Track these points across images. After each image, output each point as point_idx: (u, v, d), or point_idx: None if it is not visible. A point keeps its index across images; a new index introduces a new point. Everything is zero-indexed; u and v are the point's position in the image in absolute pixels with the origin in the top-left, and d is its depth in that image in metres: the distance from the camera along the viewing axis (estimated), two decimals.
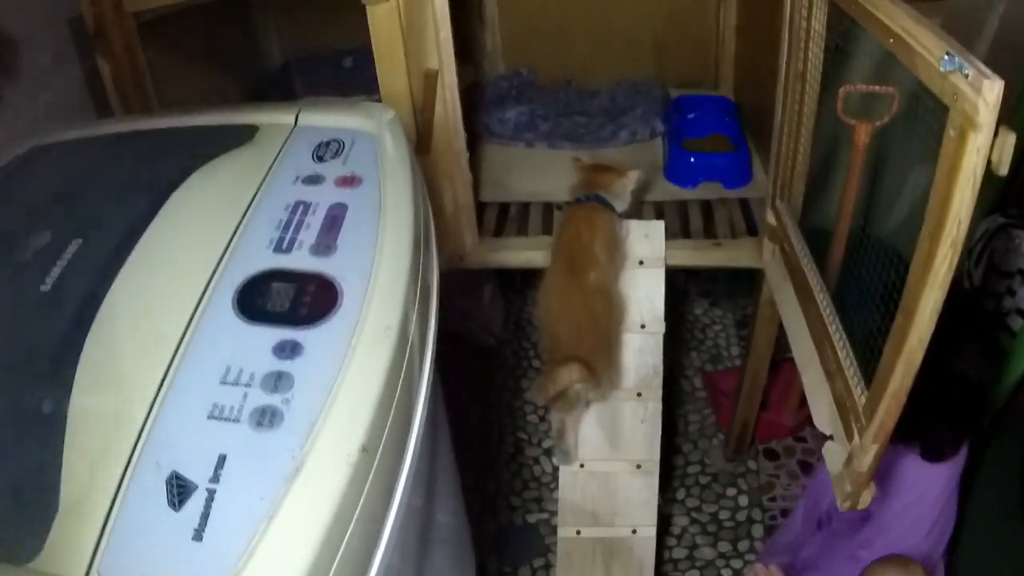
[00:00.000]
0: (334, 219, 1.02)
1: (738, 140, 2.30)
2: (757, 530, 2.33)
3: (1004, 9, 2.02)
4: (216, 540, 0.70)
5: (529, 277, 2.27)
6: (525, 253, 2.04)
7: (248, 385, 0.81)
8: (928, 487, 1.49)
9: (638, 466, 1.91)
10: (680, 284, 3.09)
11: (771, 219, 1.80)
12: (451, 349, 2.58)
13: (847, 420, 1.28)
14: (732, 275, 2.82)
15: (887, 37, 1.08)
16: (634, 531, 1.93)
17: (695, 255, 2.00)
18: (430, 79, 1.75)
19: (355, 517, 0.76)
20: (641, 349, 1.90)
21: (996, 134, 0.86)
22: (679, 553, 2.29)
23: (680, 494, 2.44)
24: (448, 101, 1.80)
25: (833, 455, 1.33)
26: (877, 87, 1.41)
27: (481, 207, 2.15)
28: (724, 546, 2.30)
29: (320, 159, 1.13)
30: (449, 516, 1.45)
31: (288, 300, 0.90)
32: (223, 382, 0.81)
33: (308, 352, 0.84)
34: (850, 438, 1.27)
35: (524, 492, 2.46)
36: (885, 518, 1.51)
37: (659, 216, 2.09)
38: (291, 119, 1.23)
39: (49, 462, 0.76)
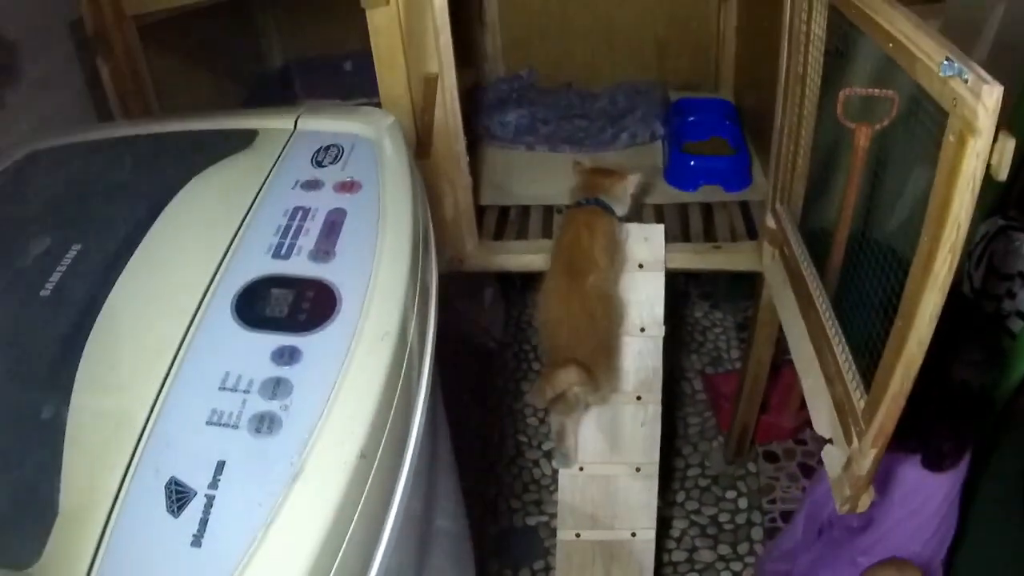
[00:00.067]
0: (333, 225, 1.01)
1: (738, 143, 2.30)
2: (757, 533, 2.33)
3: (1004, 10, 2.01)
4: (215, 546, 0.70)
5: (529, 280, 2.27)
6: (525, 256, 2.04)
7: (247, 391, 0.80)
8: (930, 496, 1.49)
9: (638, 469, 1.91)
10: (681, 286, 3.09)
11: (771, 222, 1.81)
12: (452, 352, 2.59)
13: (846, 424, 1.28)
14: (733, 278, 2.82)
15: (886, 41, 1.08)
16: (633, 534, 1.93)
17: (695, 258, 2.00)
18: (430, 83, 1.75)
19: (354, 523, 0.76)
20: (641, 352, 1.90)
21: (995, 139, 0.86)
22: (679, 556, 2.28)
23: (680, 497, 2.44)
24: (448, 105, 1.80)
25: (832, 459, 1.33)
26: (877, 90, 1.41)
27: (481, 210, 2.16)
28: (724, 549, 2.30)
29: (319, 164, 1.13)
30: (449, 519, 1.45)
31: (287, 306, 0.90)
32: (222, 388, 0.81)
33: (307, 358, 0.84)
34: (849, 442, 1.27)
35: (524, 495, 2.46)
36: (886, 526, 1.51)
37: (659, 219, 2.10)
38: (290, 124, 1.23)
39: (48, 468, 0.76)
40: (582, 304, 1.72)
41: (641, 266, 1.89)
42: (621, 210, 1.86)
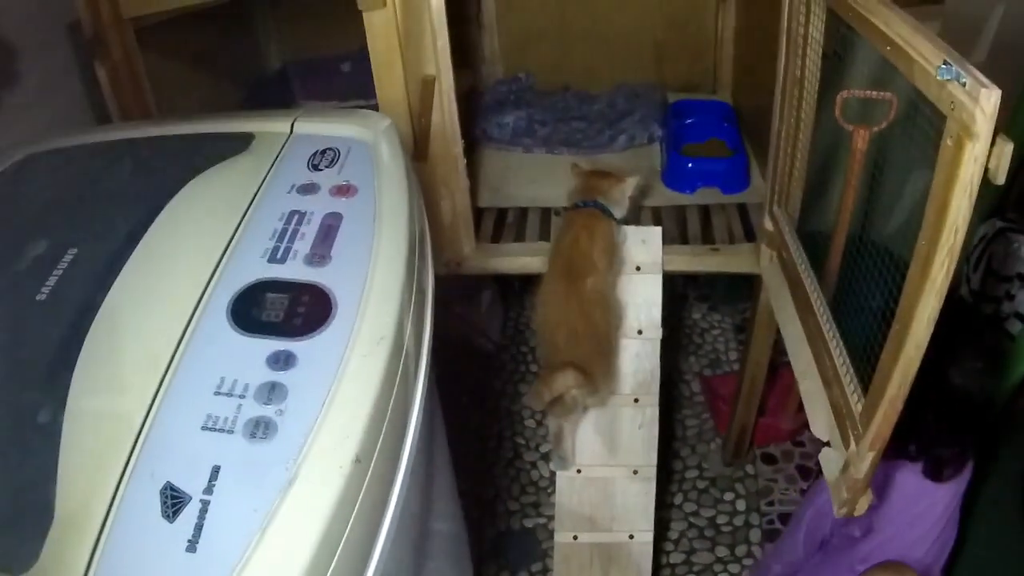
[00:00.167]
0: (329, 229, 1.01)
1: (736, 145, 2.30)
2: (755, 535, 2.33)
3: (1003, 12, 2.02)
4: (210, 551, 0.70)
5: (528, 283, 2.27)
6: (523, 259, 2.04)
7: (242, 396, 0.80)
8: (932, 504, 1.48)
9: (635, 471, 1.91)
10: (679, 289, 3.09)
11: (769, 225, 1.80)
12: (450, 355, 2.59)
13: (844, 427, 1.28)
14: (731, 280, 2.82)
15: (884, 44, 1.08)
16: (631, 536, 1.93)
17: (693, 261, 2.00)
18: (427, 85, 1.75)
19: (349, 527, 0.76)
20: (638, 354, 1.89)
21: (993, 143, 0.86)
22: (676, 558, 2.28)
23: (678, 499, 2.44)
24: (445, 107, 1.80)
25: (830, 462, 1.33)
26: (875, 93, 1.41)
27: (479, 213, 2.16)
28: (722, 551, 2.30)
29: (315, 168, 1.13)
30: (446, 522, 1.45)
31: (282, 311, 0.89)
32: (217, 393, 0.81)
33: (302, 363, 0.84)
34: (847, 445, 1.26)
35: (522, 497, 2.46)
36: (887, 534, 1.50)
37: (657, 221, 2.09)
38: (287, 127, 1.22)
39: (44, 473, 0.76)
40: (580, 307, 1.72)
41: (639, 268, 1.89)
42: (619, 212, 1.86)
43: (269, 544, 0.70)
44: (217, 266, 0.95)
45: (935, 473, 1.45)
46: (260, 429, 0.77)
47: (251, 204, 1.06)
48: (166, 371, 0.83)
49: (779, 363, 2.24)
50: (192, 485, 0.74)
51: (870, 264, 1.34)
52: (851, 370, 1.30)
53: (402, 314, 0.93)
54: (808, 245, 1.62)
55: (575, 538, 1.93)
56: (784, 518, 2.33)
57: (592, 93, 2.77)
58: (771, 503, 2.40)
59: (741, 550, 2.29)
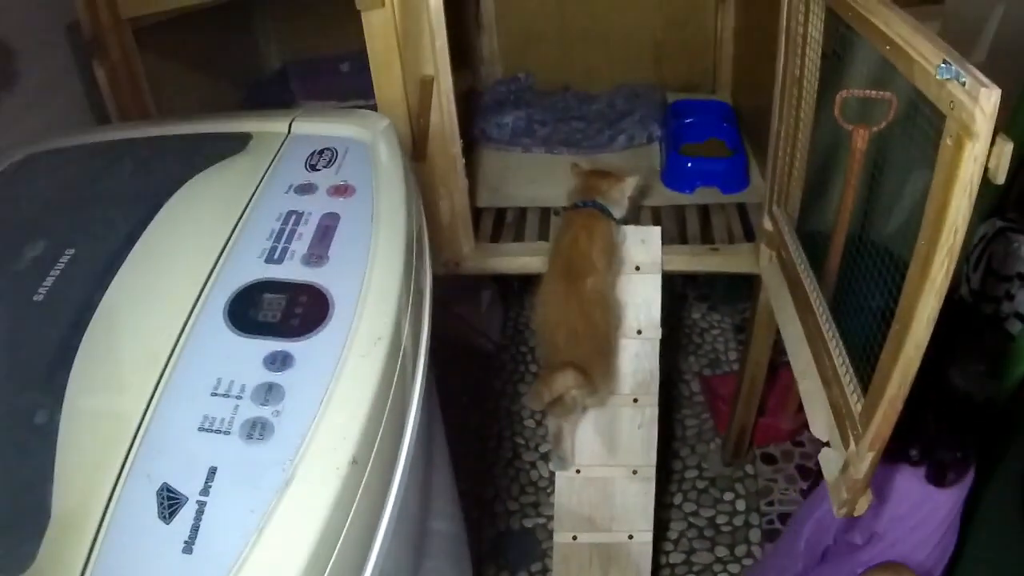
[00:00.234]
0: (326, 229, 1.01)
1: (736, 145, 2.30)
2: (755, 534, 2.32)
3: (1003, 12, 2.01)
4: (206, 553, 0.69)
5: (527, 282, 2.27)
6: (522, 259, 2.04)
7: (239, 397, 0.80)
8: (934, 509, 1.48)
9: (635, 471, 1.91)
10: (678, 289, 3.09)
11: (768, 224, 1.80)
12: (449, 355, 2.59)
13: (843, 427, 1.28)
14: (730, 279, 2.82)
15: (884, 44, 1.07)
16: (631, 536, 1.93)
17: (692, 260, 2.00)
18: (426, 85, 1.75)
19: (346, 528, 0.75)
20: (638, 354, 1.89)
21: (993, 142, 0.85)
22: (676, 558, 2.28)
23: (677, 499, 2.43)
24: (444, 107, 1.79)
25: (829, 462, 1.33)
26: (874, 92, 1.41)
27: (478, 213, 2.16)
28: (721, 551, 2.29)
29: (313, 168, 1.12)
30: (445, 522, 1.45)
31: (279, 311, 0.89)
32: (214, 394, 0.80)
33: (299, 364, 0.84)
34: (846, 445, 1.26)
35: (521, 497, 2.45)
36: (888, 540, 1.50)
37: (656, 221, 2.09)
38: (285, 127, 1.22)
39: (41, 474, 0.75)
40: (580, 307, 1.72)
41: (638, 268, 1.88)
42: (619, 212, 1.86)
43: (265, 545, 0.70)
44: (214, 266, 0.95)
45: (938, 478, 1.44)
46: (257, 430, 0.77)
47: (248, 204, 1.05)
48: (163, 371, 0.83)
49: (779, 363, 2.24)
50: (189, 486, 0.73)
51: (870, 264, 1.34)
52: (851, 370, 1.29)
53: (400, 314, 0.92)
54: (808, 245, 1.62)
55: (574, 538, 1.93)
56: (784, 518, 2.33)
57: (591, 93, 2.77)
58: (771, 503, 2.40)
59: (741, 550, 2.29)
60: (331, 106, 2.46)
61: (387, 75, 1.71)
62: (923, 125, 1.08)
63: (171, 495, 0.73)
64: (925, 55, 0.96)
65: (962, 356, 1.38)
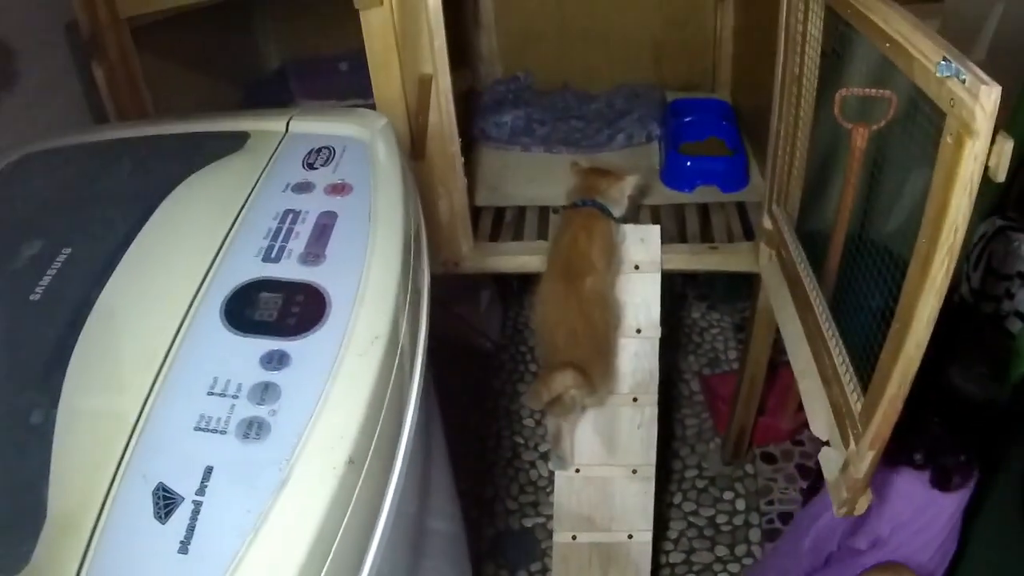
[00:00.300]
0: (324, 228, 1.01)
1: (735, 144, 2.30)
2: (754, 534, 2.32)
3: (1003, 11, 2.01)
4: (202, 553, 0.69)
5: (526, 282, 2.26)
6: (521, 258, 2.03)
7: (235, 396, 0.80)
8: (938, 513, 1.48)
9: (634, 471, 1.90)
10: (677, 288, 3.09)
11: (768, 223, 1.80)
12: (448, 354, 2.58)
13: (843, 426, 1.28)
14: (730, 278, 2.81)
15: (883, 42, 1.07)
16: (630, 536, 1.92)
17: (691, 259, 1.99)
18: (424, 84, 1.74)
19: (343, 528, 0.75)
20: (637, 354, 1.89)
21: (993, 140, 0.85)
22: (676, 557, 2.28)
23: (677, 498, 2.43)
24: (443, 107, 1.79)
25: (829, 461, 1.32)
26: (874, 91, 1.41)
27: (477, 212, 2.15)
28: (721, 550, 2.29)
29: (311, 166, 1.12)
30: (444, 522, 1.45)
31: (276, 310, 0.89)
32: (210, 393, 0.80)
33: (295, 363, 0.83)
34: (847, 444, 1.26)
35: (521, 496, 2.45)
36: (892, 544, 1.50)
37: (655, 220, 2.09)
38: (282, 126, 1.22)
39: (37, 474, 0.75)
40: (579, 307, 1.71)
41: (637, 267, 1.88)
42: (618, 212, 1.86)
43: (262, 546, 0.69)
44: (211, 265, 0.95)
45: (942, 482, 1.44)
46: (253, 429, 0.77)
47: (246, 203, 1.05)
48: (159, 371, 0.83)
49: (778, 362, 2.24)
50: (184, 486, 0.73)
51: (870, 263, 1.33)
52: (851, 369, 1.29)
53: (397, 313, 0.92)
54: (807, 244, 1.62)
55: (574, 538, 1.93)
56: (784, 517, 2.33)
57: (591, 92, 2.76)
58: (771, 502, 2.40)
59: (741, 549, 2.29)
60: (330, 105, 2.45)
61: (385, 74, 1.71)
62: (923, 123, 1.08)
63: (167, 495, 0.72)
64: (925, 52, 0.95)
65: (965, 358, 1.38)
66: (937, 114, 0.94)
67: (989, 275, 1.93)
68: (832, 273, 1.56)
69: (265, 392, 0.80)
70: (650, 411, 1.90)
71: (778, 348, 2.07)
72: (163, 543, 0.70)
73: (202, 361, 0.84)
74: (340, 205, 1.05)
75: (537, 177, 2.32)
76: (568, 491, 1.92)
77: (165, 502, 0.72)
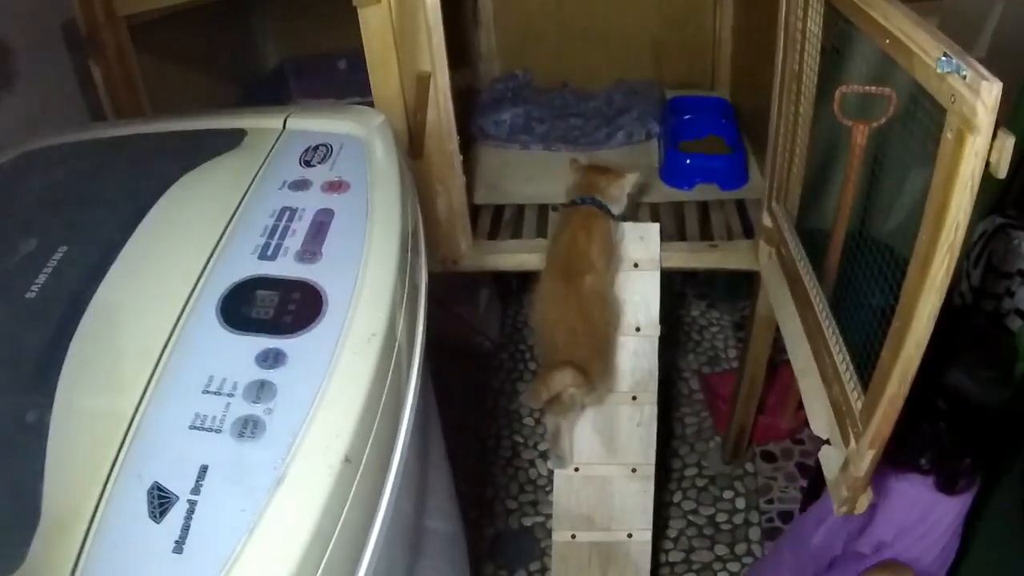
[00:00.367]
0: (320, 225, 1.00)
1: (734, 141, 2.29)
2: (754, 533, 2.32)
3: (1002, 9, 2.01)
4: (196, 553, 0.69)
5: (526, 280, 2.26)
6: (520, 256, 2.03)
7: (231, 395, 0.79)
8: (942, 515, 1.47)
9: (634, 470, 1.90)
10: (677, 286, 3.08)
11: (767, 221, 1.79)
12: (447, 353, 2.58)
13: (844, 425, 1.27)
14: (730, 277, 2.81)
15: (883, 38, 1.06)
16: (630, 535, 1.92)
17: (691, 257, 1.99)
18: (423, 82, 1.74)
19: (339, 528, 0.75)
20: (636, 352, 1.88)
21: (995, 136, 0.85)
22: (676, 556, 2.27)
23: (677, 497, 2.42)
24: (441, 104, 1.78)
25: (829, 460, 1.32)
26: (874, 88, 1.40)
27: (476, 210, 2.15)
28: (721, 549, 2.29)
29: (308, 164, 1.12)
30: (442, 522, 1.44)
31: (272, 308, 0.88)
32: (205, 391, 0.79)
33: (291, 361, 0.83)
34: (847, 443, 1.25)
35: (520, 495, 2.45)
36: (896, 548, 1.49)
37: (655, 218, 2.08)
38: (279, 123, 1.21)
39: (31, 473, 0.75)
40: (578, 305, 1.71)
41: (637, 265, 1.87)
42: (617, 209, 1.85)
43: (257, 545, 0.69)
44: (207, 263, 0.94)
45: (948, 486, 1.43)
46: (248, 428, 0.76)
47: (242, 200, 1.05)
48: (155, 369, 0.82)
49: (778, 361, 2.23)
50: (179, 485, 0.73)
51: (870, 260, 1.33)
52: (851, 367, 1.28)
53: (394, 311, 0.92)
54: (807, 241, 1.61)
55: (573, 537, 1.92)
56: (784, 516, 2.33)
57: (590, 90, 2.76)
58: (770, 501, 2.39)
59: (741, 548, 2.28)
60: (328, 104, 2.45)
61: (384, 72, 1.71)
62: (923, 120, 1.07)
63: (162, 494, 0.72)
64: (925, 48, 0.95)
65: (971, 363, 1.37)
66: (938, 110, 0.94)
67: (989, 273, 1.93)
68: (832, 271, 1.56)
69: (261, 390, 0.80)
70: (649, 410, 1.89)
71: (778, 347, 2.06)
72: (158, 543, 0.69)
73: (197, 359, 0.83)
74: (337, 202, 1.05)
75: (536, 175, 2.32)
76: (567, 490, 1.91)
77: (160, 501, 0.71)
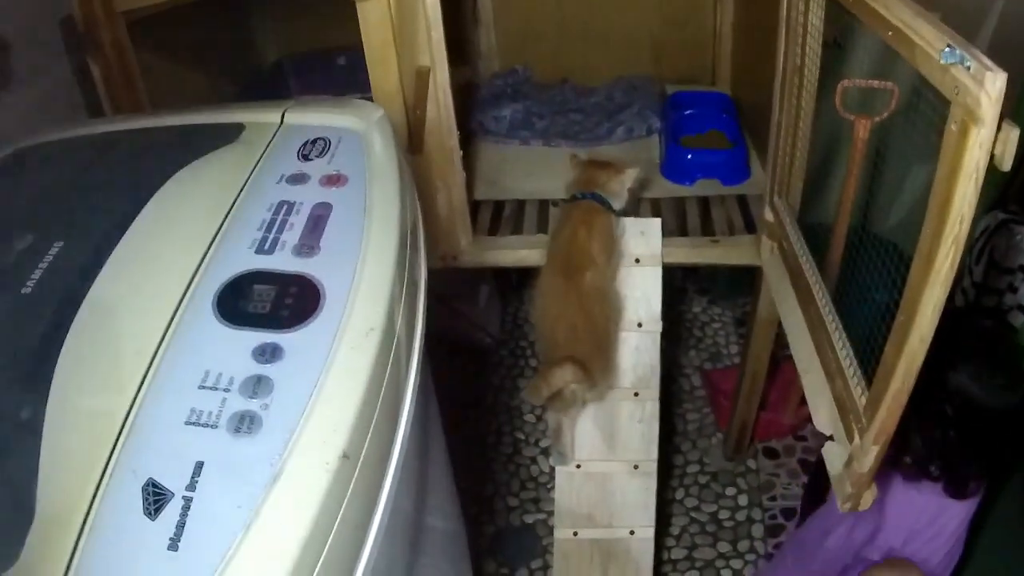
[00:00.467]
0: (318, 219, 0.99)
1: (736, 136, 2.28)
2: (757, 530, 2.31)
3: (1004, 5, 2.00)
4: (191, 550, 0.68)
5: (526, 276, 2.25)
6: (520, 252, 2.02)
7: (227, 390, 0.78)
8: (949, 520, 1.47)
9: (635, 466, 1.89)
10: (678, 282, 3.08)
11: (769, 216, 1.79)
12: (448, 349, 2.57)
13: (847, 421, 1.26)
14: (731, 272, 2.80)
15: (885, 30, 1.06)
16: (632, 532, 1.91)
17: (692, 253, 1.98)
18: (422, 78, 1.73)
19: (337, 525, 0.74)
20: (638, 348, 1.88)
21: (999, 128, 0.84)
22: (678, 553, 2.27)
23: (679, 494, 2.42)
24: (441, 100, 1.78)
25: (833, 456, 1.31)
26: (876, 82, 1.40)
27: (475, 205, 2.14)
28: (724, 546, 2.28)
29: (305, 158, 1.10)
30: (442, 519, 1.43)
31: (269, 302, 0.87)
32: (201, 387, 0.78)
33: (289, 356, 0.82)
34: (851, 439, 1.25)
35: (521, 492, 2.44)
36: (905, 554, 1.49)
37: (656, 213, 2.08)
38: (277, 117, 1.20)
39: (25, 470, 0.74)
40: (579, 301, 1.70)
41: (638, 261, 1.87)
42: (618, 205, 1.84)
43: (253, 543, 0.68)
44: (204, 257, 0.93)
45: (958, 491, 1.43)
46: (245, 424, 0.75)
47: (240, 194, 1.03)
48: (150, 364, 0.81)
49: (780, 357, 2.23)
50: (175, 482, 0.72)
51: (873, 255, 1.32)
52: (854, 362, 1.28)
53: (393, 305, 0.91)
54: (809, 236, 1.61)
55: (575, 534, 1.91)
56: (786, 512, 2.32)
57: (590, 86, 2.75)
58: (773, 498, 2.39)
59: (743, 545, 2.28)
60: (327, 98, 2.44)
61: (383, 68, 1.70)
62: (927, 113, 1.07)
63: (156, 491, 0.71)
64: (928, 39, 0.94)
65: (980, 369, 1.36)
66: (941, 103, 0.93)
67: (991, 269, 1.92)
68: (835, 266, 1.55)
69: (257, 385, 0.79)
70: (651, 406, 1.88)
71: (780, 342, 2.06)
72: (153, 540, 0.68)
73: (193, 354, 0.82)
74: (335, 196, 1.04)
75: (536, 171, 2.31)
76: (569, 487, 1.91)
77: (155, 498, 0.71)
